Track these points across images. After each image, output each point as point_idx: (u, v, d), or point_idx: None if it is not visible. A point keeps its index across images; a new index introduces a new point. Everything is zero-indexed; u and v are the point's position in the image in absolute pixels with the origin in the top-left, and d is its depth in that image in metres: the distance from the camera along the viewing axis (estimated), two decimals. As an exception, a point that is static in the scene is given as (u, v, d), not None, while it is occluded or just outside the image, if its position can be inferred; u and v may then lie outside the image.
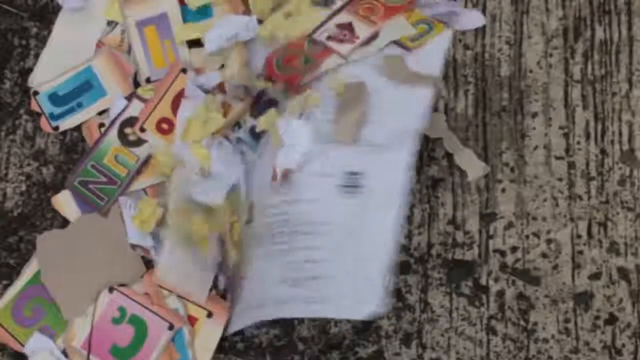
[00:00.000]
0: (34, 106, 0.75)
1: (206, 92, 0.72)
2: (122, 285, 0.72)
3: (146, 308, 0.71)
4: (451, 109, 0.75)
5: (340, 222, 0.66)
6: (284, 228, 0.67)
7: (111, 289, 0.71)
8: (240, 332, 0.73)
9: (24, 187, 0.75)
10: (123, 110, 0.74)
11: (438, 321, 0.73)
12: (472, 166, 0.74)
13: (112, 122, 0.74)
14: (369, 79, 0.69)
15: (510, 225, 0.74)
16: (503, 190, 0.75)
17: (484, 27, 0.76)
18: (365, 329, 0.73)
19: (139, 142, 0.73)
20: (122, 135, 0.74)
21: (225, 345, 0.73)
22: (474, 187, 0.74)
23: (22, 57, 0.77)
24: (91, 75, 0.74)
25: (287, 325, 0.73)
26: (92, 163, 0.73)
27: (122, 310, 0.71)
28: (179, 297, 0.72)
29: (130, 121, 0.73)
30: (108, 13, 0.75)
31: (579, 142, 0.75)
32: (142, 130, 0.73)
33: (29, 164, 0.75)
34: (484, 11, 0.76)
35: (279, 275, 0.66)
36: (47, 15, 0.77)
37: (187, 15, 0.75)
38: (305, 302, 0.65)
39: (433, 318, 0.73)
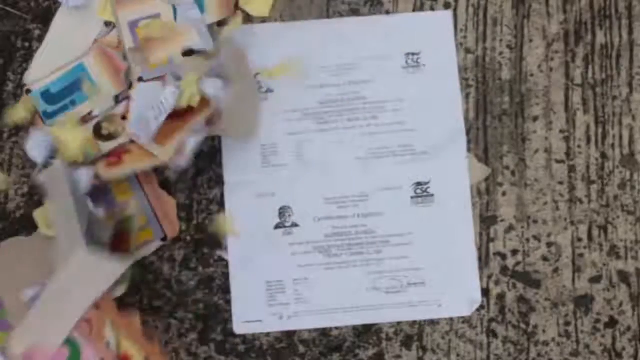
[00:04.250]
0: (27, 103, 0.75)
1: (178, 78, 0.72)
2: None
3: (81, 336, 0.69)
4: (452, 112, 0.76)
5: (422, 232, 0.74)
6: (365, 239, 0.74)
7: None
8: (241, 334, 0.74)
9: (25, 189, 0.75)
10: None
11: (439, 324, 0.73)
12: (473, 170, 0.75)
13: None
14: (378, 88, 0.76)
15: (510, 228, 0.74)
16: (504, 193, 0.75)
17: (485, 30, 0.76)
18: (366, 331, 0.74)
19: (108, 137, 0.73)
20: (97, 128, 0.74)
21: (226, 348, 0.73)
22: (474, 190, 0.75)
23: (24, 59, 0.77)
24: (83, 72, 0.74)
25: (288, 327, 0.74)
26: None
27: None
28: (114, 328, 0.70)
29: (110, 117, 0.74)
30: (102, 13, 0.75)
31: (579, 146, 0.75)
32: (124, 118, 0.72)
33: (31, 166, 0.75)
34: (485, 15, 0.77)
35: (368, 284, 0.73)
36: (50, 17, 0.77)
37: (179, 15, 0.75)
38: (408, 306, 0.73)
39: (434, 320, 0.73)
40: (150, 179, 0.75)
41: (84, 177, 0.72)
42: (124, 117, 0.72)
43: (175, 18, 0.74)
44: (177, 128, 0.72)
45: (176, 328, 0.74)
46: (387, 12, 0.77)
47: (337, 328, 0.74)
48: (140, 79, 0.74)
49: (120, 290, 0.72)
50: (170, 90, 0.71)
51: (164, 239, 0.74)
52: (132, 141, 0.73)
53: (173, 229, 0.74)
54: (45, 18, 0.76)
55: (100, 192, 0.73)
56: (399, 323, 0.73)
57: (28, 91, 0.74)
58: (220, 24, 0.76)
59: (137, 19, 0.74)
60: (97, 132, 0.74)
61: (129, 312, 0.71)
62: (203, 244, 0.75)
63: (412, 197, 0.74)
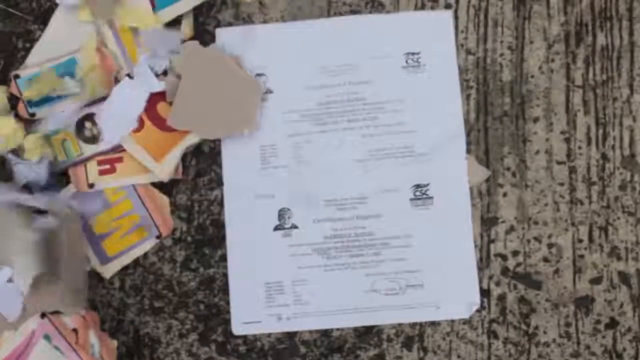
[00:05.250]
0: (13, 89, 0.74)
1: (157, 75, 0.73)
2: (55, 312, 0.70)
3: (69, 345, 0.70)
4: (453, 113, 0.76)
5: (421, 234, 0.74)
6: (364, 241, 0.74)
7: (43, 315, 0.70)
8: (242, 335, 0.74)
9: (27, 190, 0.75)
10: (94, 103, 0.74)
11: (440, 325, 0.74)
12: (473, 171, 0.75)
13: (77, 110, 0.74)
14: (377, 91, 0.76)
15: (511, 229, 0.74)
16: (504, 194, 0.75)
17: (485, 31, 0.76)
18: (367, 332, 0.74)
19: (92, 139, 0.74)
20: (79, 126, 0.74)
21: (227, 348, 0.74)
22: (475, 192, 0.75)
23: (25, 60, 0.76)
24: (73, 67, 0.74)
25: (289, 328, 0.74)
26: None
27: (47, 338, 0.70)
28: (95, 333, 0.71)
29: (92, 117, 0.74)
30: (82, 15, 0.75)
31: (580, 147, 0.75)
32: None
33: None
34: (486, 16, 0.77)
35: (366, 285, 0.73)
36: (50, 18, 0.76)
37: (159, 2, 0.74)
38: (406, 308, 0.73)
39: (434, 322, 0.74)
40: None
41: (23, 172, 0.72)
42: None
43: (155, 5, 0.74)
44: (173, 141, 0.73)
45: (177, 329, 0.74)
46: (388, 13, 0.77)
47: (338, 329, 0.74)
48: (127, 76, 0.74)
49: (76, 310, 0.71)
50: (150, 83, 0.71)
51: (159, 236, 0.74)
52: (123, 149, 0.73)
53: (167, 226, 0.74)
54: (46, 19, 0.76)
55: (92, 191, 0.74)
56: (399, 324, 0.74)
57: (16, 76, 0.74)
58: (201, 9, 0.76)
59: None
60: (80, 132, 0.74)
61: (108, 338, 0.72)
62: (204, 244, 0.75)
63: (411, 199, 0.74)
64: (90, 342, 0.71)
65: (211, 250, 0.75)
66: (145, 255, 0.74)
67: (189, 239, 0.75)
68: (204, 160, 0.75)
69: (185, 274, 0.74)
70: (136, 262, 0.74)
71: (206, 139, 0.74)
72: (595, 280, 0.74)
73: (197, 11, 0.76)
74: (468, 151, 0.75)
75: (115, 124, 0.73)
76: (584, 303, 0.74)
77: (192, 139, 0.73)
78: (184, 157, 0.75)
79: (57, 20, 0.76)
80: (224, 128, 0.74)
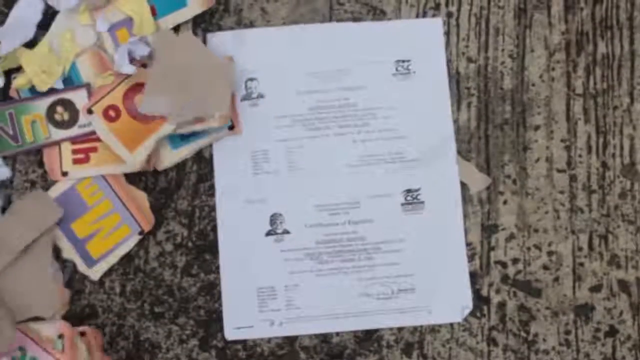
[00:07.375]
0: (13, 93, 0.74)
1: (131, 60, 0.73)
2: (27, 321, 0.70)
3: (48, 353, 0.69)
4: (454, 121, 0.76)
5: (413, 238, 0.74)
6: (355, 246, 0.74)
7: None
8: (242, 340, 0.74)
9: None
10: (68, 89, 0.74)
11: (439, 331, 0.74)
12: (474, 179, 0.75)
13: (51, 92, 0.74)
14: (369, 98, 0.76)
15: (511, 237, 0.75)
16: (505, 202, 0.75)
17: (487, 40, 0.77)
18: (367, 338, 0.74)
19: (61, 124, 0.74)
20: (50, 110, 0.74)
21: (227, 354, 0.74)
22: (476, 199, 0.75)
23: (28, 65, 0.77)
24: (73, 70, 0.74)
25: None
26: (11, 111, 0.74)
27: (22, 349, 0.69)
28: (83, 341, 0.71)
29: (64, 102, 0.74)
30: (82, 19, 0.75)
31: (580, 155, 0.75)
32: (90, 112, 0.73)
33: (34, 171, 0.76)
34: (487, 25, 0.77)
35: (359, 290, 0.74)
36: (52, 23, 0.77)
37: (160, 8, 0.75)
38: (398, 312, 0.73)
39: (434, 328, 0.74)
40: (116, 176, 0.74)
41: None
42: (89, 111, 0.72)
43: (157, 11, 0.75)
44: (147, 132, 0.72)
45: (177, 334, 0.74)
46: (384, 21, 0.77)
47: (338, 335, 0.74)
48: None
49: None
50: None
51: (141, 232, 0.74)
52: (96, 138, 0.73)
53: (148, 222, 0.74)
54: (49, 25, 0.77)
55: (70, 197, 0.74)
56: (399, 330, 0.74)
57: (15, 77, 0.74)
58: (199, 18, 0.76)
59: (115, 22, 0.75)
60: (51, 116, 0.73)
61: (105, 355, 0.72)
62: (204, 250, 0.75)
63: (402, 204, 0.75)
64: (79, 347, 0.70)
65: (212, 256, 0.75)
66: (146, 260, 0.75)
67: (190, 244, 0.75)
68: (204, 167, 0.76)
69: (186, 280, 0.75)
70: (137, 268, 0.75)
71: (178, 124, 0.72)
72: (595, 289, 0.74)
73: (199, 18, 0.77)
74: (468, 159, 0.75)
75: (13, 35, 0.73)
76: (584, 311, 0.74)
77: (165, 130, 0.72)
78: (184, 164, 0.75)
79: (58, 25, 0.76)
80: (194, 111, 0.72)
